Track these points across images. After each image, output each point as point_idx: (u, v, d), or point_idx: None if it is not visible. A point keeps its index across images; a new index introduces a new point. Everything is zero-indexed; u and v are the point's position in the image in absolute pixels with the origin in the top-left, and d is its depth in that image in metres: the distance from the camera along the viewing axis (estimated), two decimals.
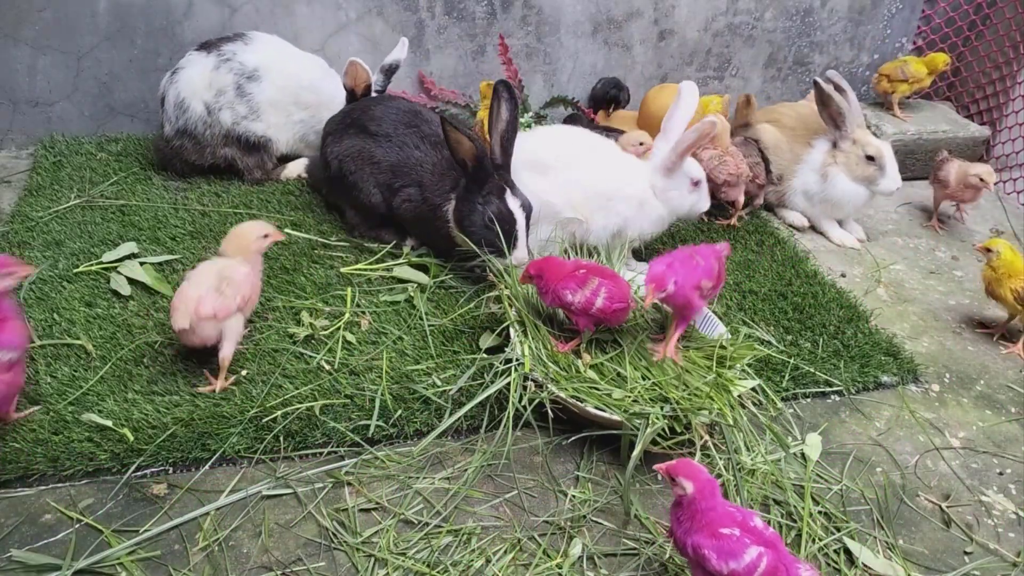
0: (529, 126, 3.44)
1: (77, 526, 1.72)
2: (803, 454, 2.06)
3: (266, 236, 2.13)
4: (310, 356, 2.16)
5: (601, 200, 2.50)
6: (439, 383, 2.09)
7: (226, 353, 1.98)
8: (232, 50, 2.92)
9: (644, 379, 2.00)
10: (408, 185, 2.54)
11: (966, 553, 1.86)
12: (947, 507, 1.96)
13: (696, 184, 2.54)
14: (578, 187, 2.49)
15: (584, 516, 1.83)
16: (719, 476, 1.95)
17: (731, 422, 1.93)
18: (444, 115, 2.41)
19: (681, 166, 2.49)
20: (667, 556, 1.74)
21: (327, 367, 2.12)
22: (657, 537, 1.79)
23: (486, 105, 3.19)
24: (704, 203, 2.61)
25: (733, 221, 3.12)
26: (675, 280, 1.94)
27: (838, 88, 3.04)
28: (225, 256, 2.09)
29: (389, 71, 3.03)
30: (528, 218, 2.37)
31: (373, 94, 2.94)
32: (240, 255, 2.08)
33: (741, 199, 3.03)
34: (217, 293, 1.96)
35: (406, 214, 2.57)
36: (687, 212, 2.60)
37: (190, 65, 2.92)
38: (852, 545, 1.80)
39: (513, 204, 2.33)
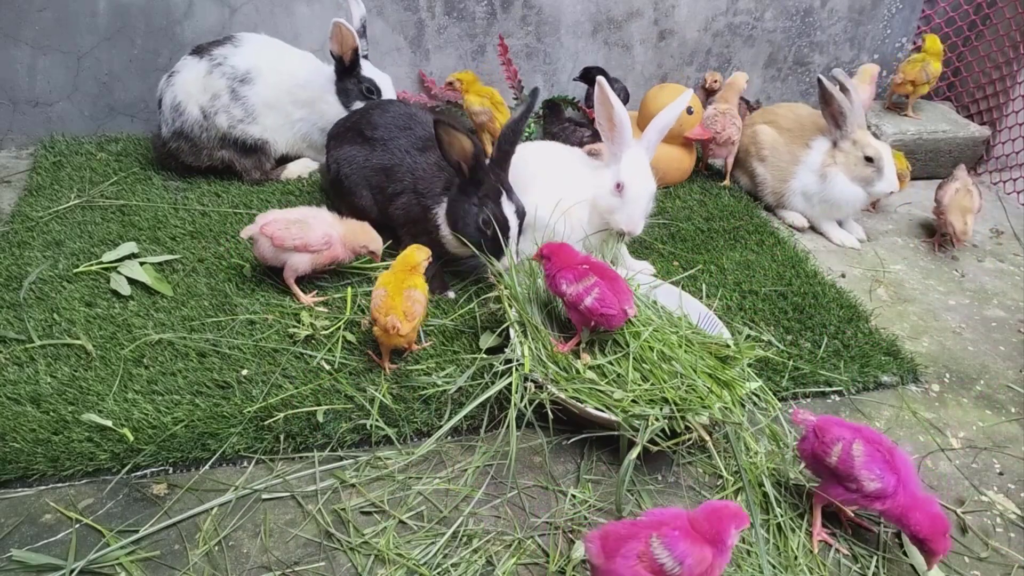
0: (529, 126, 3.44)
1: (77, 526, 1.72)
2: None
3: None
4: (310, 356, 2.16)
5: (574, 211, 2.47)
6: (439, 383, 2.09)
7: (285, 275, 2.35)
8: (223, 54, 2.92)
9: (644, 380, 2.00)
10: (401, 191, 2.54)
11: (968, 554, 1.86)
12: (962, 512, 1.96)
13: (619, 187, 2.40)
14: (555, 198, 2.46)
15: (585, 516, 1.83)
16: (720, 477, 1.96)
17: (737, 420, 1.93)
18: (438, 115, 2.38)
19: (614, 163, 2.43)
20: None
21: (327, 367, 2.12)
22: None
23: (473, 92, 3.23)
24: (620, 218, 2.41)
25: (727, 182, 3.41)
26: None
27: (842, 87, 3.03)
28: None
29: (362, 32, 3.03)
30: (521, 224, 2.37)
31: (361, 58, 2.95)
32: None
33: (729, 162, 3.38)
34: (285, 224, 2.27)
35: (399, 218, 2.57)
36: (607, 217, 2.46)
37: (184, 69, 2.92)
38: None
39: (508, 210, 2.32)
